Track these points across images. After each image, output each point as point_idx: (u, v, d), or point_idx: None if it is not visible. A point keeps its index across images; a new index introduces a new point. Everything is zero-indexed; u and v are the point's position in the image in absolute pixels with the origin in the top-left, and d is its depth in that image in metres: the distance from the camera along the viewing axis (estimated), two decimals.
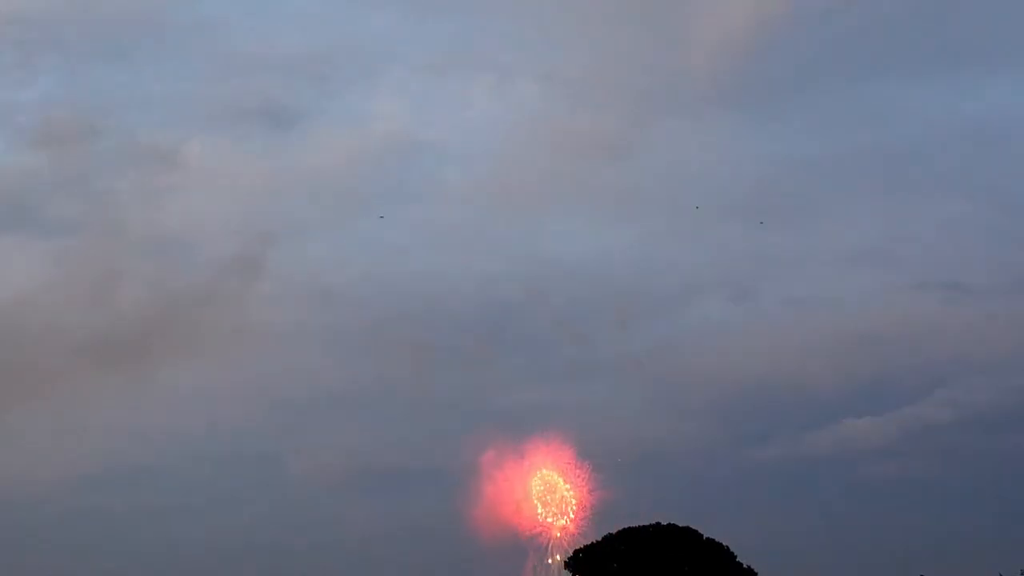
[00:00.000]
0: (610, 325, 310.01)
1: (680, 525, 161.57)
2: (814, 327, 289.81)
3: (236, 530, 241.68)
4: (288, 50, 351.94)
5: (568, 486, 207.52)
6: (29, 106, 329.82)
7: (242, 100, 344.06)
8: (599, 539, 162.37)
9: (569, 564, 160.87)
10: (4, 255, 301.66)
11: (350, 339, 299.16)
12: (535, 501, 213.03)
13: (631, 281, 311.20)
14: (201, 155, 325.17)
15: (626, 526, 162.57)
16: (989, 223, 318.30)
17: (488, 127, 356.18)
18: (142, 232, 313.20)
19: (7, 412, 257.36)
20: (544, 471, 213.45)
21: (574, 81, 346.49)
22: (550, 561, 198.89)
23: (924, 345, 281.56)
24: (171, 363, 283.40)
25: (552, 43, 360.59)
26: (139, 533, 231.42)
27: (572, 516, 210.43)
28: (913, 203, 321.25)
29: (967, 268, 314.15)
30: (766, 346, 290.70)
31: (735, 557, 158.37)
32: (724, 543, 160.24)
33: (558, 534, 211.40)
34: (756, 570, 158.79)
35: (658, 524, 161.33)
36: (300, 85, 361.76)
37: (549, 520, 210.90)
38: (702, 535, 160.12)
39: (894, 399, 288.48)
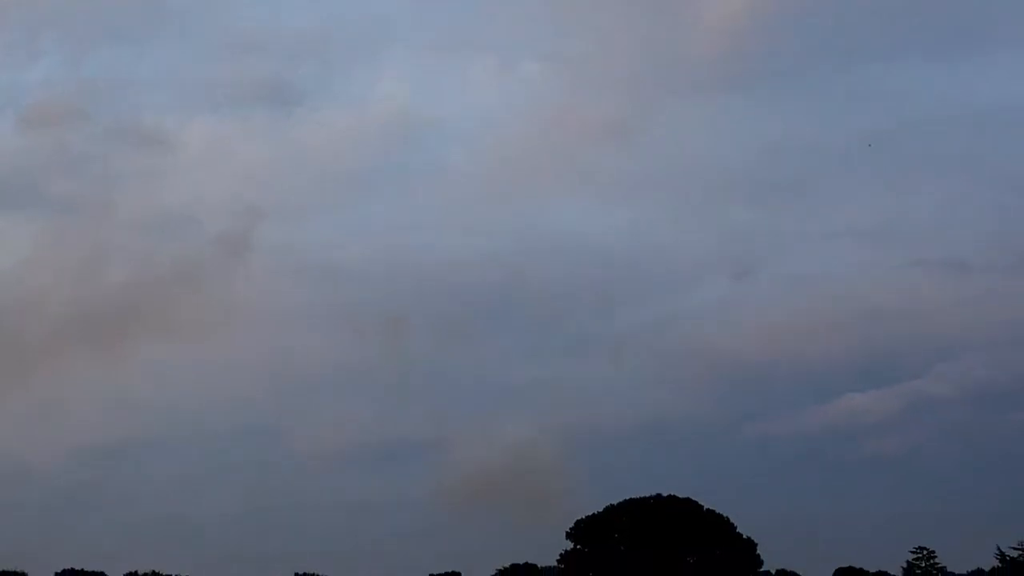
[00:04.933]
0: (611, 302, 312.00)
1: (681, 497, 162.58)
2: (815, 304, 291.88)
3: (232, 503, 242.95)
4: (290, 30, 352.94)
5: None
6: (32, 86, 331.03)
7: (244, 79, 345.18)
8: (600, 510, 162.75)
9: (570, 534, 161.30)
10: (3, 232, 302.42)
11: (347, 316, 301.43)
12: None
13: (633, 259, 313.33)
14: (202, 134, 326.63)
15: (628, 497, 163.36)
16: (989, 201, 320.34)
17: (490, 107, 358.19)
18: (140, 210, 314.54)
19: (6, 383, 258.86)
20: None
21: (576, 62, 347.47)
22: None
23: (925, 321, 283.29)
24: (165, 339, 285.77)
25: (554, 24, 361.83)
26: (137, 505, 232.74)
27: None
28: (913, 182, 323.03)
29: (967, 245, 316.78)
30: (767, 322, 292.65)
31: (735, 528, 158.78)
32: (725, 515, 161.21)
33: None
34: (756, 541, 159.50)
35: (659, 495, 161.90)
36: (302, 65, 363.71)
37: None
38: (703, 506, 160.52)
39: (895, 374, 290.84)
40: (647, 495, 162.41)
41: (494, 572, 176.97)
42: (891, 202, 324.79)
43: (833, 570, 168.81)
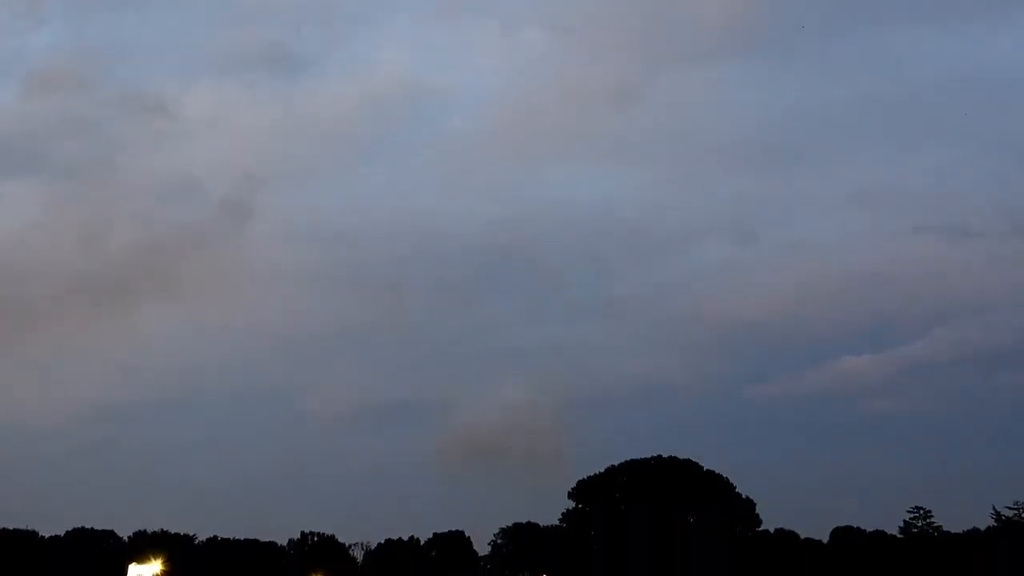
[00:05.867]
0: (613, 266, 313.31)
1: (681, 458, 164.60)
2: (815, 268, 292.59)
3: (237, 464, 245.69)
4: None
5: None
6: (37, 52, 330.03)
7: (247, 46, 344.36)
8: (602, 470, 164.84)
9: (572, 494, 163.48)
10: (8, 197, 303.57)
11: (348, 281, 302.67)
12: None
13: (635, 224, 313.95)
14: (206, 100, 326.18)
15: (629, 458, 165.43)
16: (989, 168, 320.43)
17: (494, 74, 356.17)
18: (144, 175, 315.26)
19: (13, 344, 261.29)
20: None
21: (578, 29, 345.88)
22: None
23: (923, 286, 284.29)
24: (170, 302, 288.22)
25: None
26: (144, 466, 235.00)
27: None
28: (914, 148, 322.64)
29: (966, 212, 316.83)
30: (768, 286, 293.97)
31: (735, 488, 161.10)
32: (724, 475, 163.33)
33: None
34: (755, 501, 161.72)
35: (660, 456, 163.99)
36: (306, 32, 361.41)
37: None
38: (702, 467, 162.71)
39: (893, 338, 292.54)
40: (648, 456, 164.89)
41: (497, 531, 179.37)
42: (892, 168, 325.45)
43: (831, 529, 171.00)
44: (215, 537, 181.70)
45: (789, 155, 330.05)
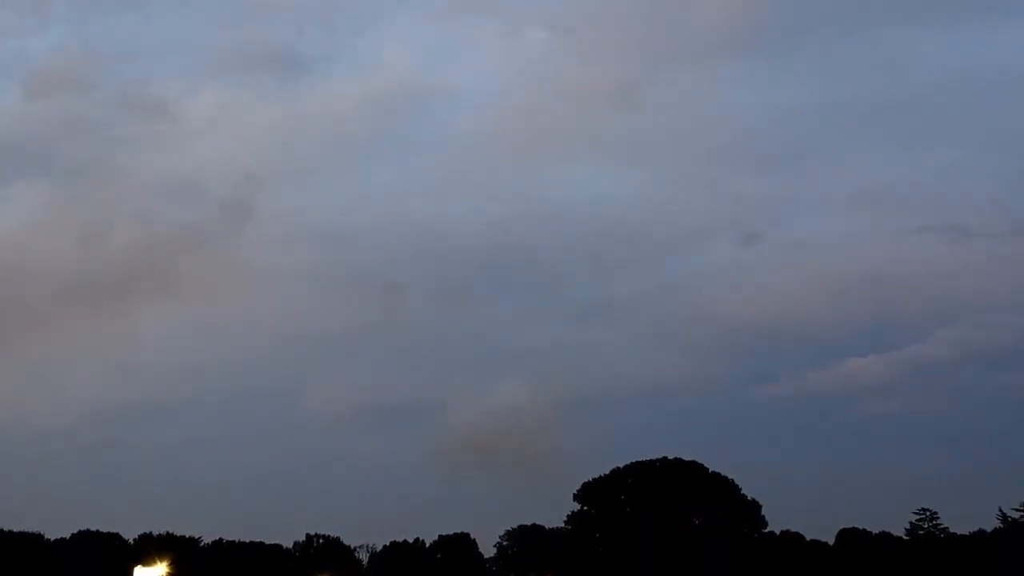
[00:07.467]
0: (615, 267, 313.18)
1: (687, 459, 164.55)
2: (819, 269, 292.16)
3: (239, 465, 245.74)
4: None
5: None
6: (40, 53, 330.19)
7: (250, 47, 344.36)
8: (607, 472, 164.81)
9: (577, 496, 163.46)
10: (12, 198, 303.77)
11: (349, 281, 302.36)
12: None
13: (637, 225, 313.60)
14: (208, 101, 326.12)
15: (634, 460, 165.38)
16: (991, 168, 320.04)
17: (495, 74, 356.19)
18: (147, 176, 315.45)
19: (13, 344, 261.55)
20: None
21: (580, 29, 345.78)
22: None
23: (926, 286, 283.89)
24: (171, 303, 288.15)
25: None
26: (149, 468, 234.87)
27: None
28: (916, 148, 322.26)
29: (969, 212, 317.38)
30: (772, 287, 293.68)
31: (740, 489, 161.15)
32: (729, 477, 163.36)
33: None
34: (761, 503, 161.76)
35: (665, 458, 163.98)
36: (310, 32, 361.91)
37: None
38: (708, 468, 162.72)
39: (897, 338, 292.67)
40: (653, 458, 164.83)
41: (502, 533, 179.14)
42: (894, 168, 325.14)
43: (837, 531, 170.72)
44: (220, 540, 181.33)
45: (789, 155, 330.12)
